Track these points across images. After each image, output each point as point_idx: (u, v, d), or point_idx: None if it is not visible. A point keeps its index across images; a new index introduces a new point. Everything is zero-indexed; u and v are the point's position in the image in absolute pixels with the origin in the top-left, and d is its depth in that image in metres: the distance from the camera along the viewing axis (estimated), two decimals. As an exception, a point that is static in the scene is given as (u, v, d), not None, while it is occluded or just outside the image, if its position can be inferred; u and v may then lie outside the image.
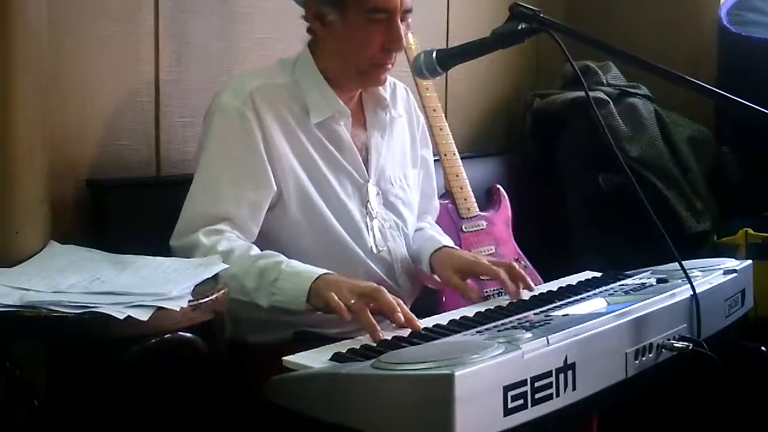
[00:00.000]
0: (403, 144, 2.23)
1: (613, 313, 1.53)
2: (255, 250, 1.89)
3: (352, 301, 1.70)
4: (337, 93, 2.05)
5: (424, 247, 2.19)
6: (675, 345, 1.59)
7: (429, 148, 2.35)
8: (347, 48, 2.00)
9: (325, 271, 1.80)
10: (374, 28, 1.96)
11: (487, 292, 2.30)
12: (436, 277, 2.14)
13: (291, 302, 1.78)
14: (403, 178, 2.20)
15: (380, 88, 2.13)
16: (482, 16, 3.06)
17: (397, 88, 2.25)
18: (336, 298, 1.70)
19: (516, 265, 2.03)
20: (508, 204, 2.74)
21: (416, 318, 1.71)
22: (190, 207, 1.94)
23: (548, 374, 1.34)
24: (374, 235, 2.09)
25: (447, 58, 1.89)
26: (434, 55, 1.87)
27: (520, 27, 1.77)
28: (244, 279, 1.82)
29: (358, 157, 2.08)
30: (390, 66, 2.03)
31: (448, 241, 2.25)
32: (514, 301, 1.93)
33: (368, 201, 2.09)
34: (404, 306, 1.72)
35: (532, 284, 2.01)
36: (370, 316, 1.68)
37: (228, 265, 1.78)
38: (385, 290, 1.73)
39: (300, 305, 1.77)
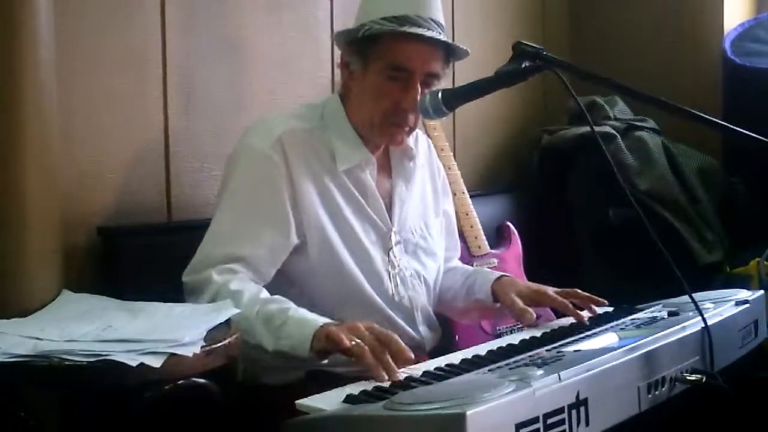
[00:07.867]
0: (424, 193, 2.24)
1: (625, 348, 1.52)
2: (265, 294, 1.90)
3: (353, 343, 1.68)
4: (364, 142, 2.07)
5: (480, 279, 2.20)
6: (688, 378, 1.59)
7: (450, 198, 2.36)
8: (365, 99, 2.03)
9: (329, 320, 1.80)
10: (392, 85, 1.99)
11: (499, 329, 2.30)
12: (497, 305, 2.14)
13: (296, 348, 1.77)
14: (424, 227, 2.20)
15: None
16: (487, 55, 3.08)
17: (419, 138, 2.26)
18: (337, 331, 1.70)
19: (579, 290, 2.07)
20: (519, 241, 2.74)
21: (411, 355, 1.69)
22: (207, 244, 1.95)
23: (560, 410, 1.33)
24: (395, 283, 2.09)
25: (452, 99, 1.89)
26: (440, 95, 1.88)
27: (523, 65, 1.77)
28: (252, 321, 1.82)
29: (381, 206, 2.09)
30: (407, 128, 2.04)
31: None
32: (538, 335, 1.91)
33: (391, 248, 2.10)
34: (388, 361, 1.64)
35: (599, 300, 2.08)
36: (370, 356, 1.64)
37: (239, 310, 1.79)
38: (369, 352, 1.65)
39: (304, 352, 1.75)
